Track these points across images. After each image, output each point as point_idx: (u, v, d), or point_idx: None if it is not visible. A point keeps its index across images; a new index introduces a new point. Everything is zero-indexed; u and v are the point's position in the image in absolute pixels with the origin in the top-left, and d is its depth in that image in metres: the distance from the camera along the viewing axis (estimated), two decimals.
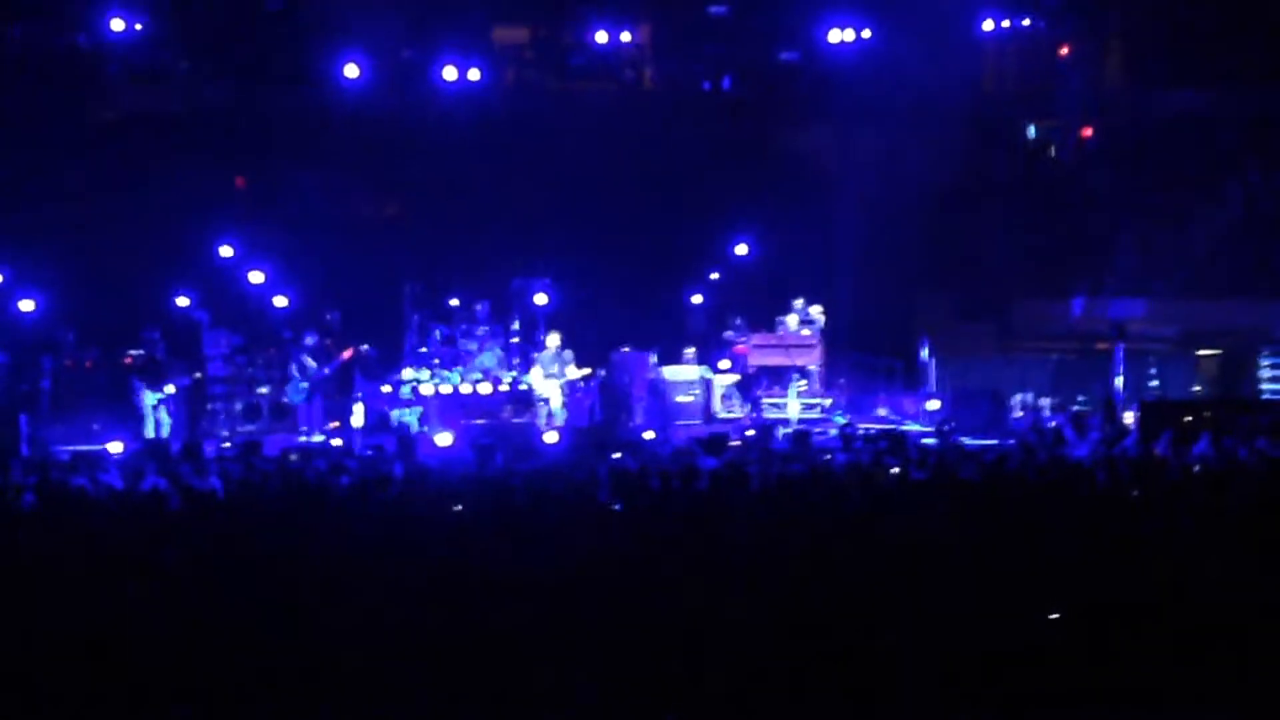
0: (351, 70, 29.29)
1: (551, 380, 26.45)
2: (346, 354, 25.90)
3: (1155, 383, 27.67)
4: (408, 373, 26.97)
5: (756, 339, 28.24)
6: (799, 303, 28.58)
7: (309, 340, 25.98)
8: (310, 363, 25.68)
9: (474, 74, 29.89)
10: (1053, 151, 32.96)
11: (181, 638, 9.45)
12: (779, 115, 31.38)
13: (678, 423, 26.48)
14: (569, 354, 26.70)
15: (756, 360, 28.06)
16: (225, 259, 28.52)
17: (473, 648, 9.20)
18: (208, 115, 29.59)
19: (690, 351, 28.22)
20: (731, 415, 27.79)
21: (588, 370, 26.81)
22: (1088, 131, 32.37)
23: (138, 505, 15.09)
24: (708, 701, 8.49)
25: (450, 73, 29.74)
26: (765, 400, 27.77)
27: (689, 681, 8.66)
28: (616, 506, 14.04)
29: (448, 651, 9.15)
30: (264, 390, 26.87)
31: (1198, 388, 28.07)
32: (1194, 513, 12.84)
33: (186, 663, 9.04)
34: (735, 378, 28.31)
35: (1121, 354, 25.62)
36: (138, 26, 28.34)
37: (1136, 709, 8.26)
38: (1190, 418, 21.37)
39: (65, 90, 29.16)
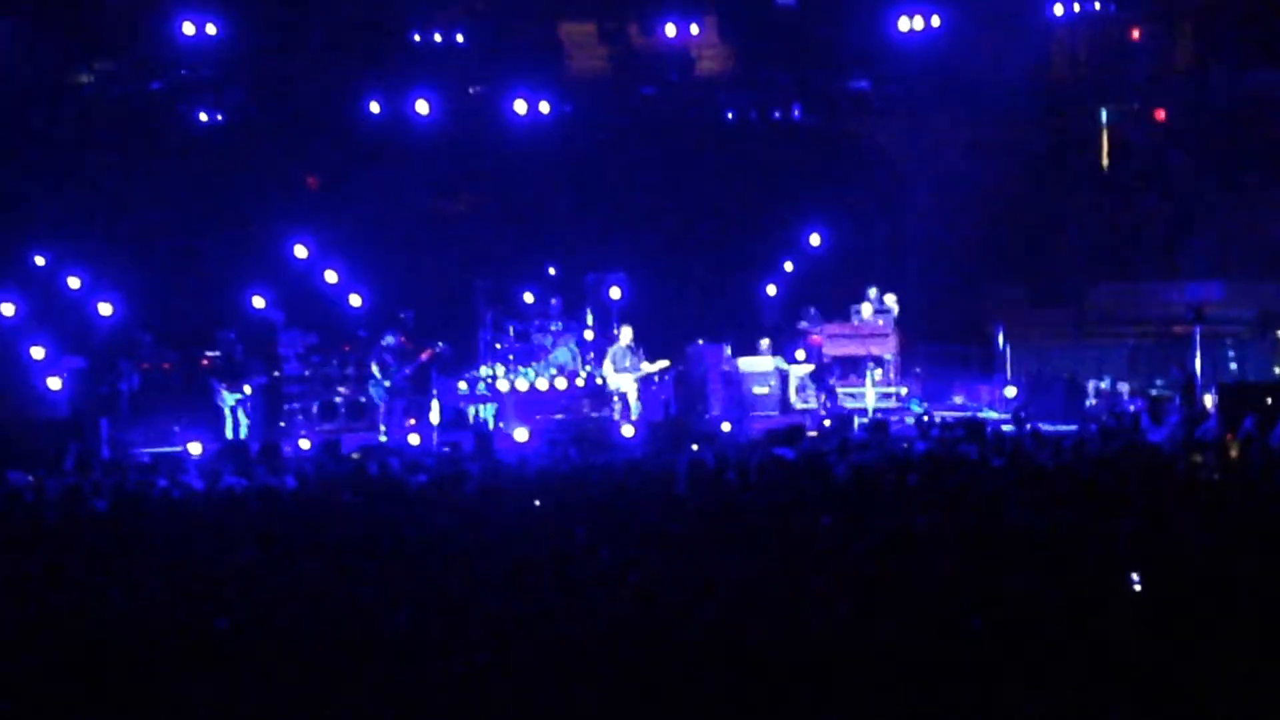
0: (422, 106, 29.35)
1: (624, 374, 26.42)
2: (426, 355, 25.90)
3: (1234, 365, 27.45)
4: (483, 369, 27.02)
5: (831, 329, 28.20)
6: (873, 292, 28.51)
7: (389, 339, 25.99)
8: (389, 362, 25.71)
9: (544, 107, 29.83)
10: (1126, 135, 32.75)
11: (262, 634, 9.50)
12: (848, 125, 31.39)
13: (754, 414, 26.45)
14: (642, 348, 26.64)
15: (831, 350, 28.01)
16: (299, 259, 28.62)
17: (552, 641, 9.21)
18: (280, 119, 29.69)
19: (765, 343, 28.17)
20: (807, 406, 27.73)
21: (664, 364, 26.75)
22: (1161, 114, 32.16)
23: (217, 505, 15.20)
24: (788, 687, 8.47)
25: (521, 106, 29.73)
26: (841, 390, 27.71)
27: (769, 670, 8.64)
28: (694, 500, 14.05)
29: (525, 644, 9.17)
30: (341, 389, 26.93)
31: (1278, 369, 27.83)
32: (1276, 496, 12.76)
33: (265, 659, 9.09)
34: (810, 368, 28.25)
35: (1199, 337, 25.41)
36: (210, 29, 28.31)
37: (1213, 695, 8.18)
38: (1271, 400, 21.22)
39: (139, 108, 29.34)
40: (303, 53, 29.17)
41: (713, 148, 30.73)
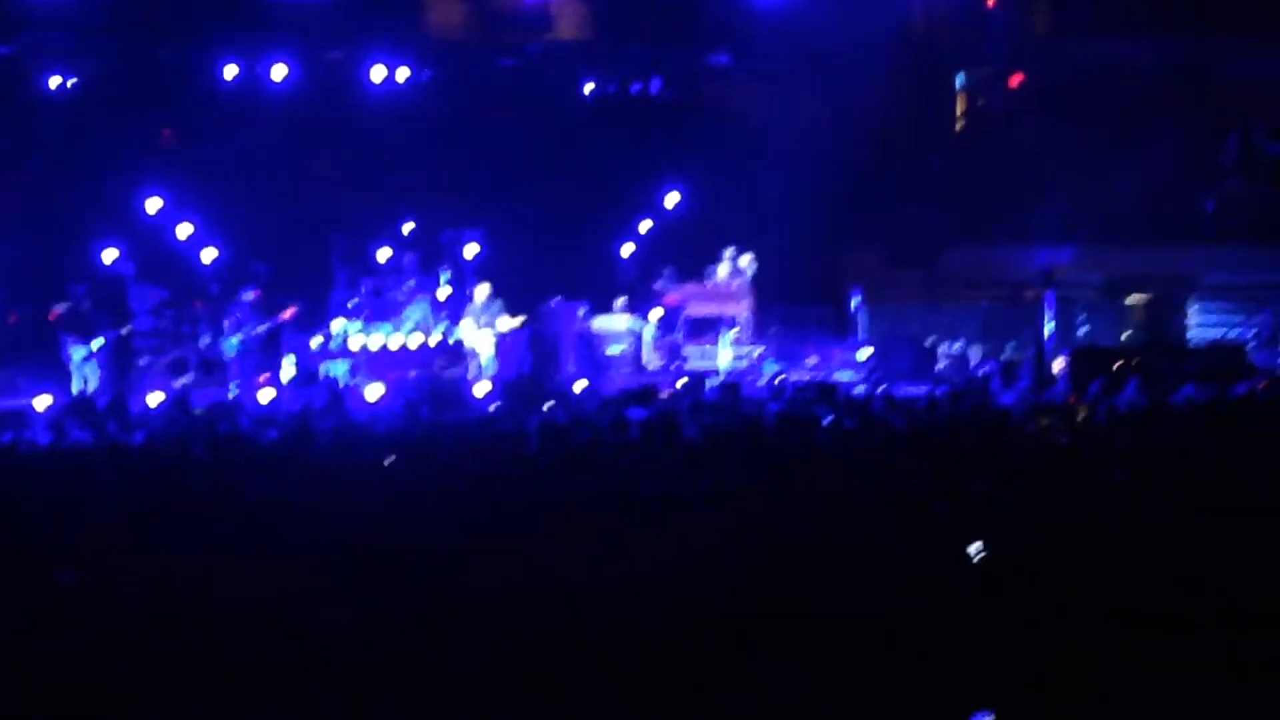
0: (279, 71, 29.23)
1: (482, 332, 26.40)
2: (287, 314, 25.80)
3: (1084, 329, 27.80)
4: (337, 326, 26.86)
5: (686, 289, 28.25)
6: (729, 252, 28.59)
7: (246, 295, 25.84)
8: (241, 318, 25.54)
9: (402, 74, 29.86)
10: (981, 101, 33.00)
11: (106, 591, 9.39)
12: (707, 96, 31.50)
13: (608, 374, 26.49)
14: (498, 305, 26.69)
15: (687, 310, 28.07)
16: (151, 213, 28.31)
17: (402, 601, 9.18)
18: (134, 83, 29.38)
19: (620, 302, 28.20)
20: (660, 366, 27.78)
21: (518, 321, 26.76)
22: (1016, 80, 32.43)
23: (63, 461, 15.03)
24: (626, 654, 8.46)
25: (379, 72, 29.72)
26: (694, 350, 27.77)
27: (610, 635, 8.64)
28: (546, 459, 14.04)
29: (376, 603, 9.12)
30: (193, 345, 26.70)
31: (1126, 334, 28.20)
32: (1122, 459, 12.91)
33: (111, 616, 8.98)
34: (651, 325, 28.25)
35: (1050, 301, 25.71)
36: None
37: (1060, 662, 8.26)
38: (1119, 364, 21.51)
39: None
40: (157, 13, 28.76)
41: (571, 115, 30.80)
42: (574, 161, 30.21)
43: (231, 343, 25.52)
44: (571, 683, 8.24)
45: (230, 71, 29.44)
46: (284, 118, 29.52)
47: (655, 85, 31.35)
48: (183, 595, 9.32)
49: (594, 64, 31.37)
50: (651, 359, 28.05)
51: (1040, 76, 31.95)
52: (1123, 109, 30.93)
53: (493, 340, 26.43)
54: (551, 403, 19.69)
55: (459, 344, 26.57)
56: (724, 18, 29.99)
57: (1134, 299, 28.89)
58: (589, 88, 31.36)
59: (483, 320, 26.47)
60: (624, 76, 31.38)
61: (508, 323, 26.57)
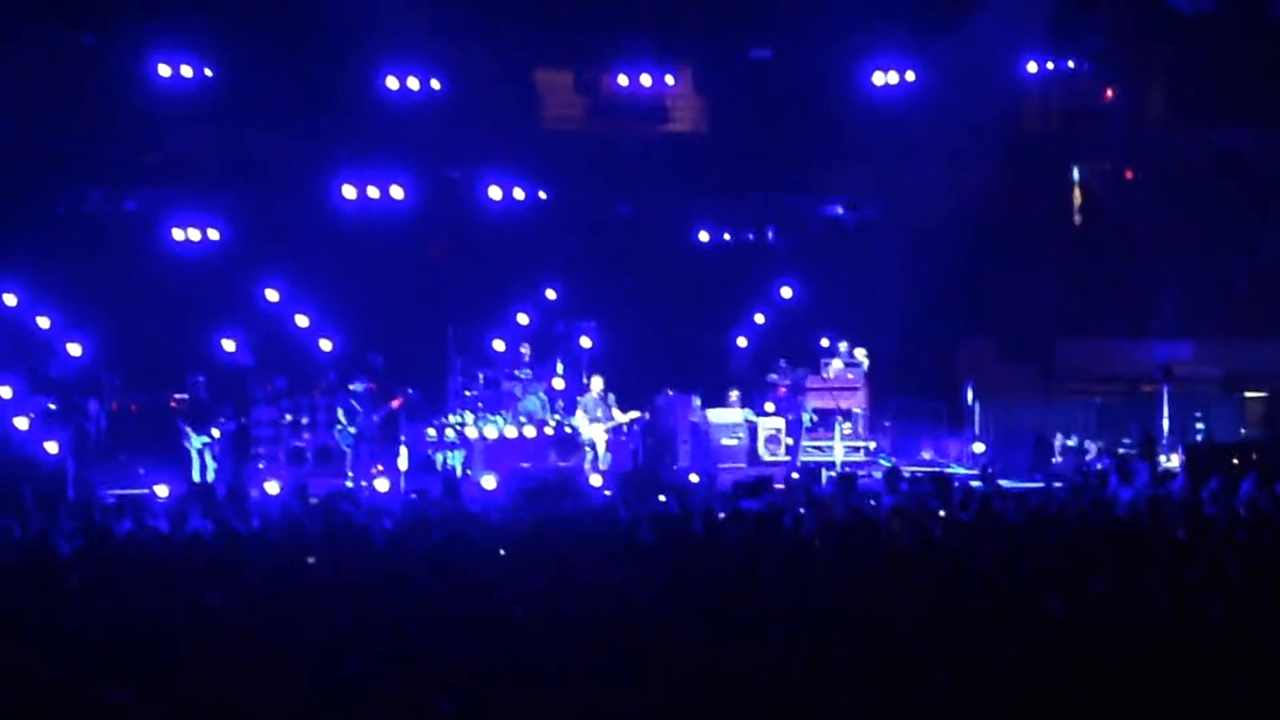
0: (396, 192, 29.14)
1: (596, 424, 26.47)
2: (396, 403, 25.93)
3: (1200, 425, 27.51)
4: (452, 416, 26.99)
5: (801, 382, 28.24)
6: (843, 345, 28.57)
7: (357, 385, 25.98)
8: (358, 408, 25.70)
9: (519, 194, 29.61)
10: (1098, 192, 32.86)
11: (226, 679, 9.46)
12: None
13: (722, 465, 26.44)
14: (612, 397, 26.76)
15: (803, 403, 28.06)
16: (270, 302, 28.58)
17: (514, 690, 9.20)
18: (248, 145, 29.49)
19: (734, 394, 28.24)
20: (776, 458, 27.73)
21: (634, 414, 26.82)
22: (1131, 173, 32.30)
23: (183, 549, 15.15)
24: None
25: (495, 192, 29.47)
26: (810, 443, 27.73)
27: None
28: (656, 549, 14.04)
29: (489, 692, 9.15)
30: (309, 434, 26.94)
31: (1244, 430, 27.92)
32: (1241, 556, 12.77)
33: (230, 703, 9.05)
34: (780, 421, 28.27)
35: (1167, 396, 25.53)
36: (185, 71, 27.98)
37: None
38: (1237, 460, 21.29)
39: (113, 138, 29.10)
40: (274, 127, 28.61)
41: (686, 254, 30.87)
42: (689, 249, 30.37)
43: (348, 432, 25.67)
44: None
45: (349, 193, 29.22)
46: (401, 225, 29.55)
47: (770, 232, 31.45)
48: (298, 680, 9.40)
49: (707, 211, 31.26)
50: (766, 451, 28.02)
51: (1156, 168, 31.79)
52: (1239, 199, 30.78)
53: (607, 432, 26.49)
54: (665, 495, 19.67)
55: (573, 435, 26.63)
56: (839, 105, 29.79)
57: (1252, 394, 28.62)
58: (704, 236, 31.30)
59: (597, 412, 26.55)
60: (738, 226, 31.44)
61: (623, 415, 26.65)
